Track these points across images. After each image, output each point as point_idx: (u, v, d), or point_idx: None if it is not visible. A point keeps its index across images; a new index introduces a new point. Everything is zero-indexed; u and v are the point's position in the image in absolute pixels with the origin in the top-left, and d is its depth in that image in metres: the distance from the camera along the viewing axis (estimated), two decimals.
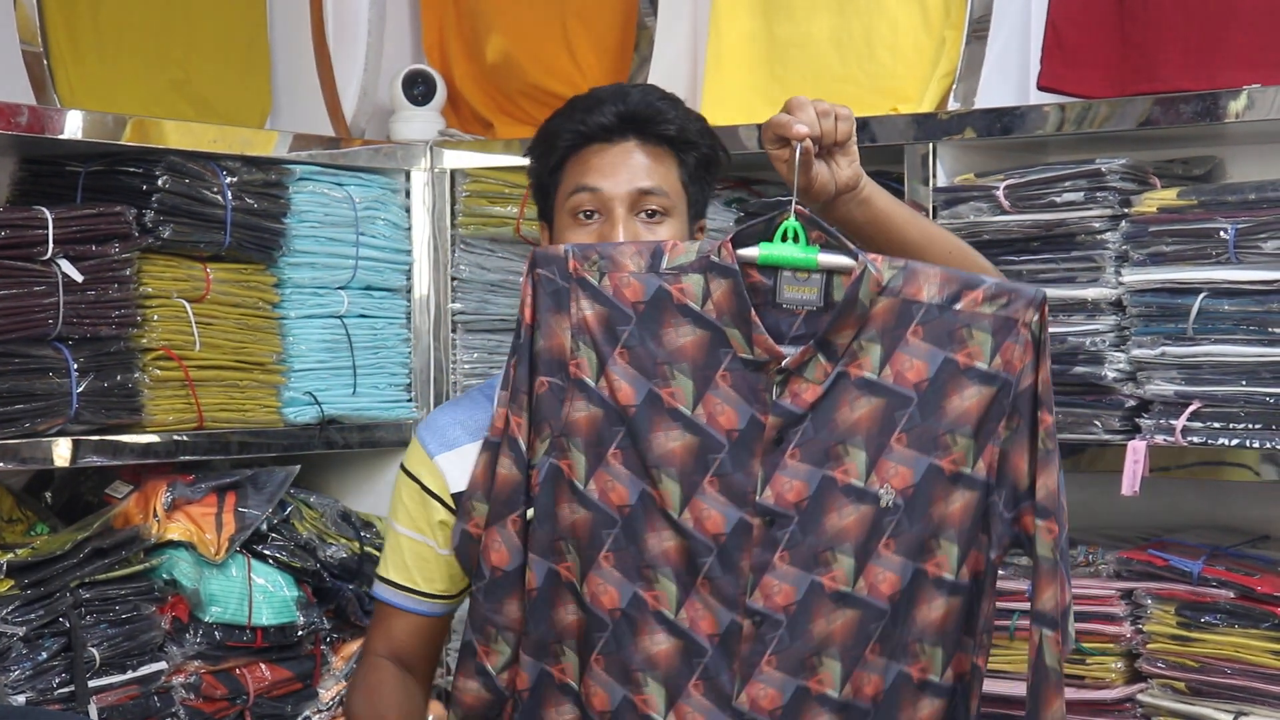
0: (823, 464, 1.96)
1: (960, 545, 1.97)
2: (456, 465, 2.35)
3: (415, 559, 2.39)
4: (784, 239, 1.99)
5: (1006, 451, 1.97)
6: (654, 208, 2.29)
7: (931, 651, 1.98)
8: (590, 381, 2.00)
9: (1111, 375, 2.70)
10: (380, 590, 2.43)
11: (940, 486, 1.96)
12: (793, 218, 1.98)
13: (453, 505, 2.34)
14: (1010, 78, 2.99)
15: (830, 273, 1.98)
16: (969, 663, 2.00)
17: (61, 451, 2.84)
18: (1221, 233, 2.60)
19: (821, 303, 1.99)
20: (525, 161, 3.36)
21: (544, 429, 2.01)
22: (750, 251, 1.99)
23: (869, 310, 1.96)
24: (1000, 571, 2.06)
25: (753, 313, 1.97)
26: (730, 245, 1.99)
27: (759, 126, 3.03)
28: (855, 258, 1.97)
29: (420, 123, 3.56)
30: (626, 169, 2.29)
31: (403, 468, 2.43)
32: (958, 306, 1.97)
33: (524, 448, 2.02)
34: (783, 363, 1.96)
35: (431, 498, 2.37)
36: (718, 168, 2.39)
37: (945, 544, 1.97)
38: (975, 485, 1.97)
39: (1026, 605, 2.07)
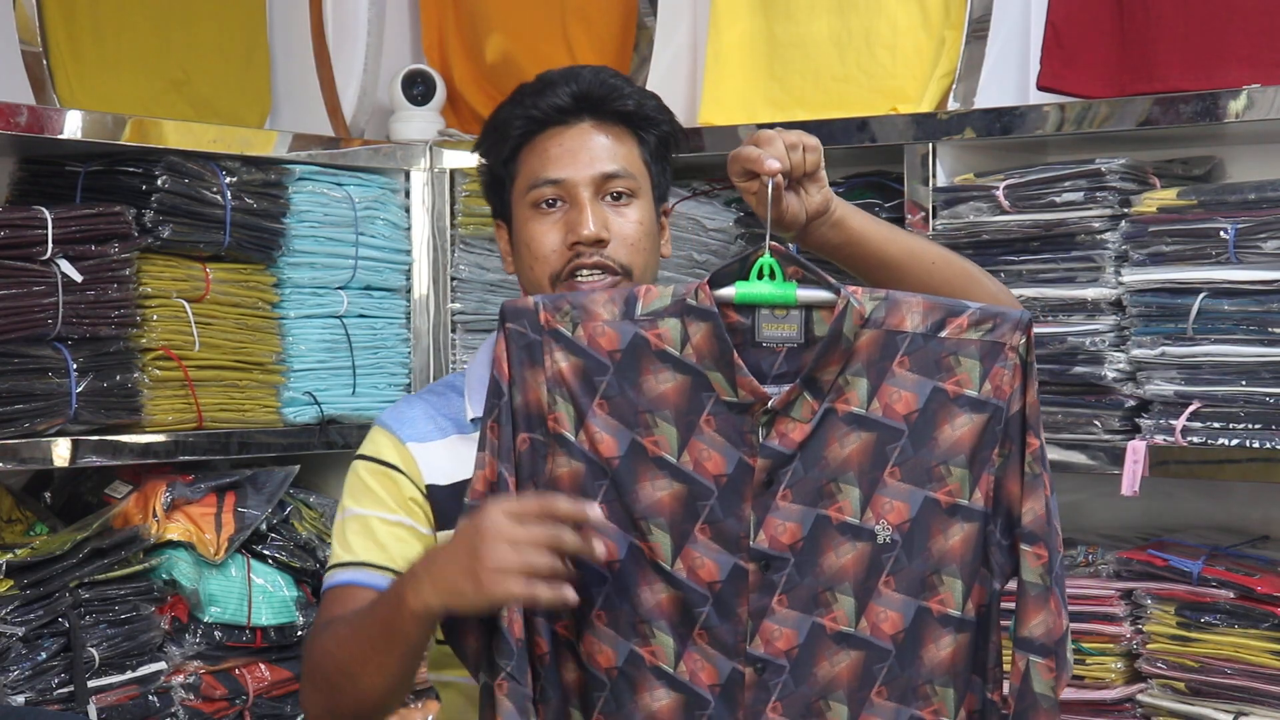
0: (815, 503, 1.92)
1: (963, 580, 1.92)
2: (431, 456, 2.23)
3: (393, 539, 2.20)
4: (760, 276, 1.95)
5: (1000, 479, 1.92)
6: (620, 190, 2.20)
7: (943, 693, 1.93)
8: (569, 435, 1.94)
9: (1111, 375, 2.70)
10: (345, 575, 2.18)
11: (938, 520, 1.92)
12: (767, 254, 1.94)
13: (425, 493, 2.21)
14: (1010, 78, 2.99)
15: (809, 308, 1.95)
16: (978, 701, 1.94)
17: (61, 451, 2.84)
18: (1221, 233, 2.59)
19: (802, 339, 1.95)
20: None
21: (528, 488, 1.94)
22: (726, 291, 1.95)
23: (853, 344, 1.92)
24: None
25: (735, 355, 1.92)
26: (707, 287, 1.94)
27: (759, 126, 3.05)
28: (836, 292, 1.93)
29: (420, 123, 3.55)
30: (586, 152, 2.20)
31: (362, 456, 2.27)
32: (943, 334, 1.93)
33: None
34: (768, 404, 1.91)
35: (403, 476, 2.22)
36: (676, 148, 2.31)
37: (948, 579, 1.92)
38: (974, 516, 1.92)
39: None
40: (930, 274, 2.14)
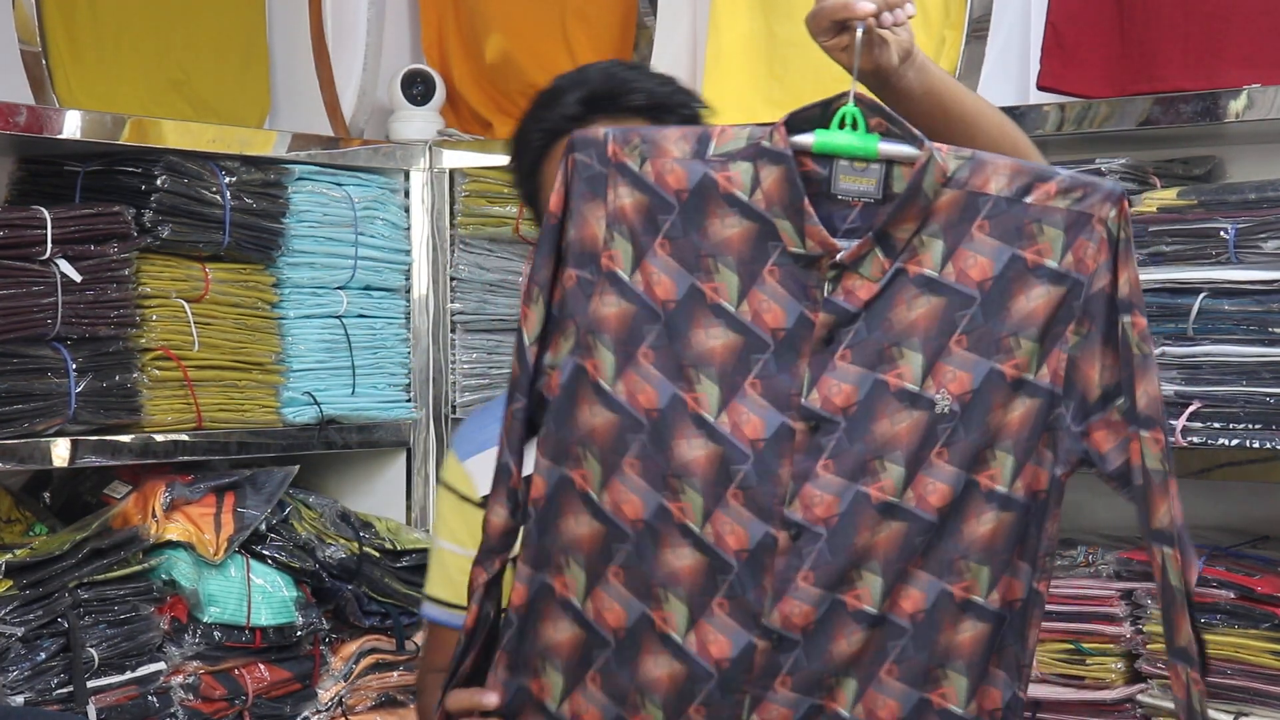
0: (875, 367, 1.81)
1: (1016, 456, 1.82)
2: (487, 467, 2.17)
3: (460, 573, 2.21)
4: (841, 126, 1.82)
5: (1075, 359, 1.81)
6: None
7: (977, 570, 1.83)
8: (624, 275, 1.84)
9: None
10: (430, 610, 2.32)
11: (1000, 393, 1.81)
12: (852, 103, 1.82)
13: (481, 504, 2.21)
14: (1010, 77, 2.99)
15: (890, 163, 1.82)
16: (1023, 588, 1.84)
17: (60, 452, 2.84)
18: (1222, 233, 2.59)
19: (880, 194, 1.83)
20: None
21: (569, 326, 1.86)
22: (805, 138, 1.82)
23: (932, 203, 1.81)
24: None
25: (805, 202, 1.80)
26: (784, 129, 1.83)
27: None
28: (920, 145, 1.81)
29: (419, 122, 3.55)
30: None
31: (440, 480, 2.33)
32: (1028, 200, 1.81)
33: (528, 340, 1.86)
34: (837, 256, 1.80)
35: (468, 504, 2.27)
36: (701, 123, 2.21)
37: (1000, 454, 1.82)
38: (1038, 393, 1.81)
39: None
40: (1002, 135, 2.03)
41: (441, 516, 2.33)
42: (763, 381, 1.83)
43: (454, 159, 3.44)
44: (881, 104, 1.85)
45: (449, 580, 2.29)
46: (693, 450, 1.84)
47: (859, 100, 1.84)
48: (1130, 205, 2.71)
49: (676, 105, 2.21)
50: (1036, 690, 2.72)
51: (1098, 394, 1.84)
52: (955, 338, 1.82)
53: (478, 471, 2.26)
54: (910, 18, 1.91)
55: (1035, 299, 1.82)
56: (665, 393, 1.84)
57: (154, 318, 3.00)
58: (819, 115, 1.84)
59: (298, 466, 3.19)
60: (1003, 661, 1.88)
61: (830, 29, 1.90)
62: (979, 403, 1.82)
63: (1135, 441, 1.83)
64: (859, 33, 1.87)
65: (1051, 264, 1.82)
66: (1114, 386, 1.84)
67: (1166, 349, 2.64)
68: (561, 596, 1.88)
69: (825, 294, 1.82)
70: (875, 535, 1.83)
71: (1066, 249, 1.81)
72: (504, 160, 3.33)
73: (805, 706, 1.86)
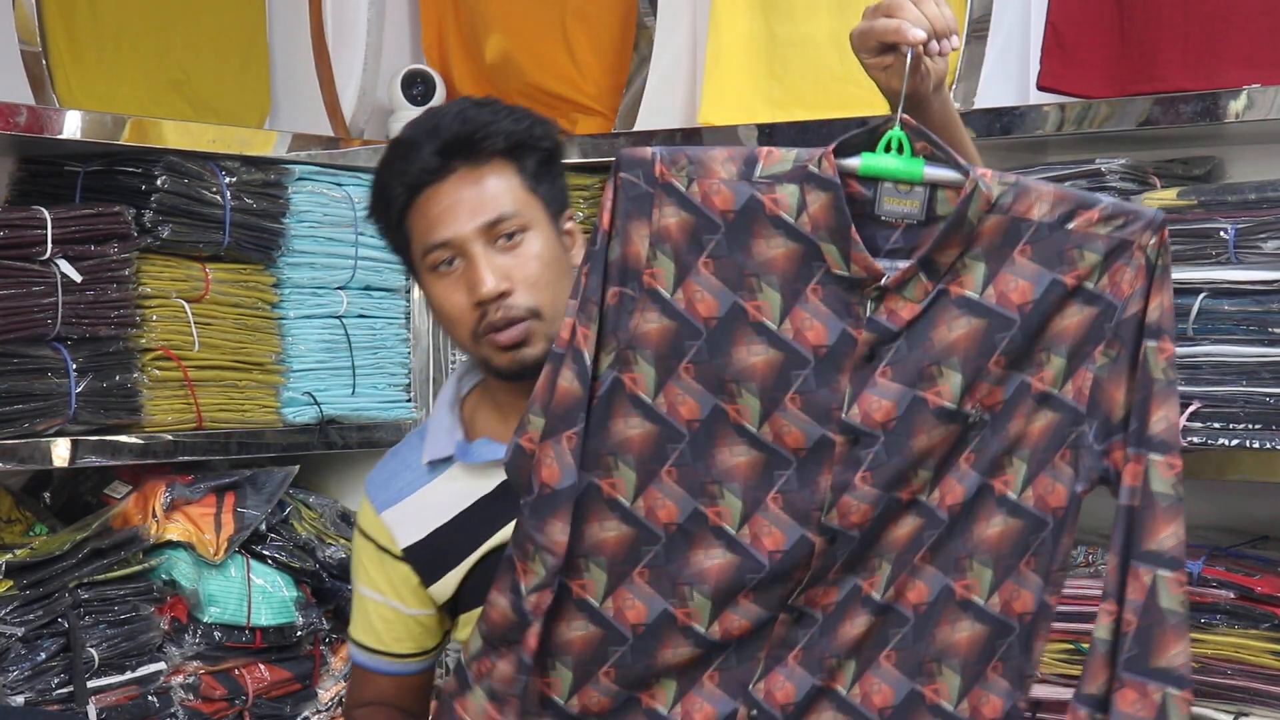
0: (915, 384, 1.88)
1: (1030, 465, 1.89)
2: (403, 518, 2.27)
3: (381, 621, 2.31)
4: (887, 149, 1.89)
5: (1101, 380, 1.87)
6: (510, 230, 2.16)
7: (980, 570, 1.91)
8: (665, 292, 1.90)
9: None
10: (355, 653, 2.36)
11: (1025, 404, 1.89)
12: (898, 127, 1.88)
13: (404, 556, 2.27)
14: (1010, 77, 2.99)
15: (935, 186, 1.89)
16: (1033, 601, 1.92)
17: (60, 452, 2.84)
18: (1221, 233, 2.59)
19: (923, 216, 1.89)
20: None
21: (609, 341, 1.91)
22: (851, 162, 1.89)
23: (976, 228, 1.87)
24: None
25: (853, 229, 1.86)
26: (832, 156, 1.88)
27: (758, 127, 3.04)
28: (966, 173, 1.87)
29: None
30: (466, 207, 2.16)
31: (357, 526, 2.34)
32: (1070, 226, 1.87)
33: (589, 361, 1.91)
34: (881, 281, 1.87)
35: (388, 555, 2.29)
36: (561, 155, 2.25)
37: (1016, 462, 1.89)
38: (1060, 409, 1.89)
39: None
40: None
41: (360, 563, 2.33)
42: (803, 396, 1.89)
43: None
44: (926, 129, 1.90)
45: (370, 627, 2.33)
46: (733, 459, 1.91)
47: (904, 125, 1.89)
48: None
49: (536, 140, 2.20)
50: (1036, 690, 2.71)
51: (1121, 414, 1.89)
52: (994, 358, 1.88)
53: (396, 523, 2.28)
54: (955, 50, 1.95)
55: (1069, 317, 1.88)
56: (707, 405, 1.91)
57: (154, 318, 3.00)
58: (865, 140, 1.90)
59: (298, 466, 3.19)
60: (1007, 671, 1.94)
61: (876, 48, 1.93)
62: (1006, 412, 1.89)
63: (1133, 463, 1.88)
64: (908, 57, 1.90)
65: (1089, 286, 1.87)
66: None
67: None
68: (579, 597, 1.95)
69: (868, 313, 1.88)
70: (899, 528, 1.91)
71: (1103, 273, 1.87)
72: None
73: (808, 685, 1.93)
